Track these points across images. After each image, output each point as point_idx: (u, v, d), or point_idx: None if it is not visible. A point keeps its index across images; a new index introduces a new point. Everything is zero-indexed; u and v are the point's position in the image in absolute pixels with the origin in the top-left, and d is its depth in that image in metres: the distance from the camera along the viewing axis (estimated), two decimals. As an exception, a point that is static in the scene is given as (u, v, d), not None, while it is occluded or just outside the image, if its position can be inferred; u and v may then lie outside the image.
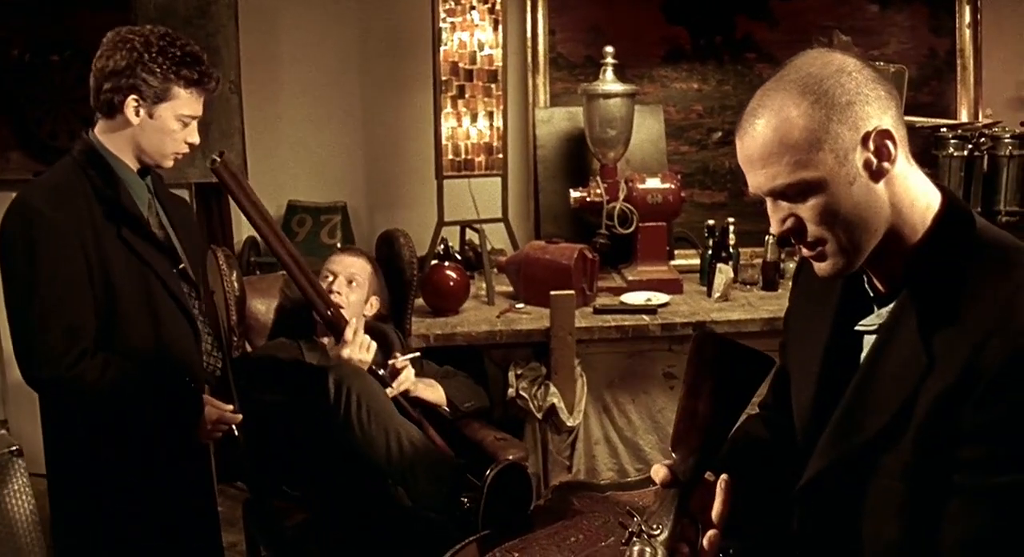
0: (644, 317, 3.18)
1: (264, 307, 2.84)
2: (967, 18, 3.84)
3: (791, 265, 3.62)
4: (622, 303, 3.31)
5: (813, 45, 3.81)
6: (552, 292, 3.06)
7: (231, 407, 2.19)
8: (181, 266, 2.18)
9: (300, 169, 3.82)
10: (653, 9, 3.79)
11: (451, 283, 3.22)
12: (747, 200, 3.85)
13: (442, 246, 3.31)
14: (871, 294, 1.32)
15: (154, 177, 2.21)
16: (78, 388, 1.99)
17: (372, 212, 3.88)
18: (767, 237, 3.46)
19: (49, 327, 1.97)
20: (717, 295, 3.35)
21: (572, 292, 3.09)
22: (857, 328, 1.32)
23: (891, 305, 1.27)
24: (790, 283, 3.43)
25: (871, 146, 1.21)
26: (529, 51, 3.72)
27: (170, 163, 2.14)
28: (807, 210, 1.23)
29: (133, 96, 2.01)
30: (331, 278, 2.68)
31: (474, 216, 3.57)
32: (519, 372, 3.14)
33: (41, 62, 3.62)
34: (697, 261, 3.70)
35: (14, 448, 2.73)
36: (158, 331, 2.09)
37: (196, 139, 2.13)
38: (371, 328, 2.69)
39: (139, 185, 2.12)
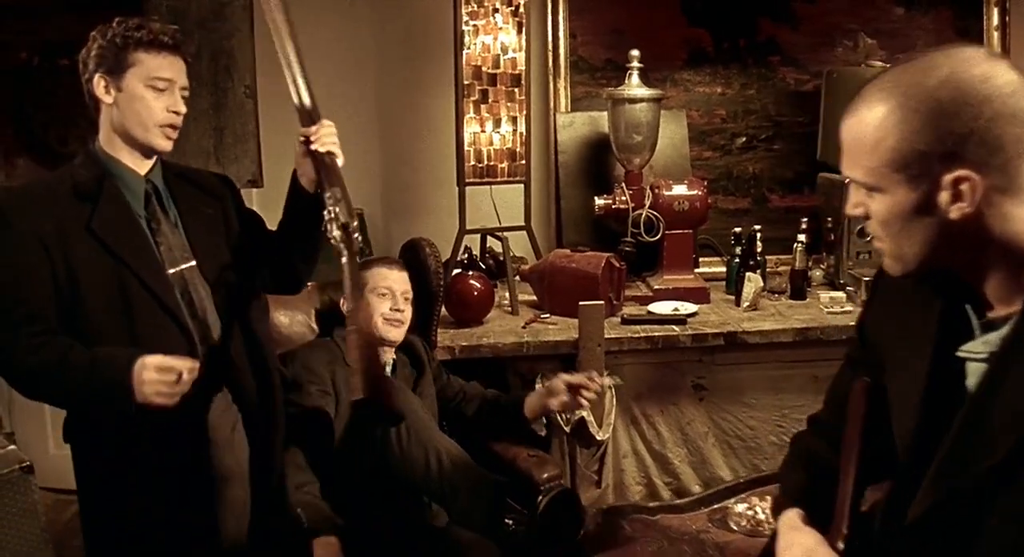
0: (674, 327, 3.10)
1: (287, 319, 2.74)
2: (995, 20, 3.78)
3: (817, 273, 3.55)
4: (649, 313, 3.23)
5: (837, 48, 3.80)
6: (581, 302, 2.98)
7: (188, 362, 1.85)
8: (187, 265, 2.04)
9: (315, 175, 3.72)
10: (674, 11, 3.72)
11: (475, 293, 3.13)
12: (771, 206, 3.80)
13: (466, 255, 3.22)
14: (975, 317, 1.24)
15: (172, 173, 2.11)
16: (10, 366, 1.89)
17: (389, 219, 3.79)
18: (796, 244, 3.39)
19: None
20: (746, 304, 3.28)
21: (602, 302, 3.01)
22: (960, 354, 1.24)
23: (1002, 331, 1.19)
24: (819, 292, 3.43)
25: (955, 188, 1.16)
26: (550, 54, 3.64)
27: (163, 141, 2.00)
28: (874, 205, 1.23)
29: (98, 74, 1.97)
30: (388, 295, 2.58)
31: (495, 223, 3.49)
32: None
33: (49, 65, 3.52)
34: (721, 269, 3.63)
35: (24, 464, 2.64)
36: (132, 333, 1.93)
37: (181, 107, 2.00)
38: (404, 342, 2.60)
39: (133, 180, 2.00)
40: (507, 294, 3.31)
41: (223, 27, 3.38)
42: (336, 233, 2.00)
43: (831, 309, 3.23)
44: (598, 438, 3.01)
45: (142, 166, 2.03)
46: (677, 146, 3.66)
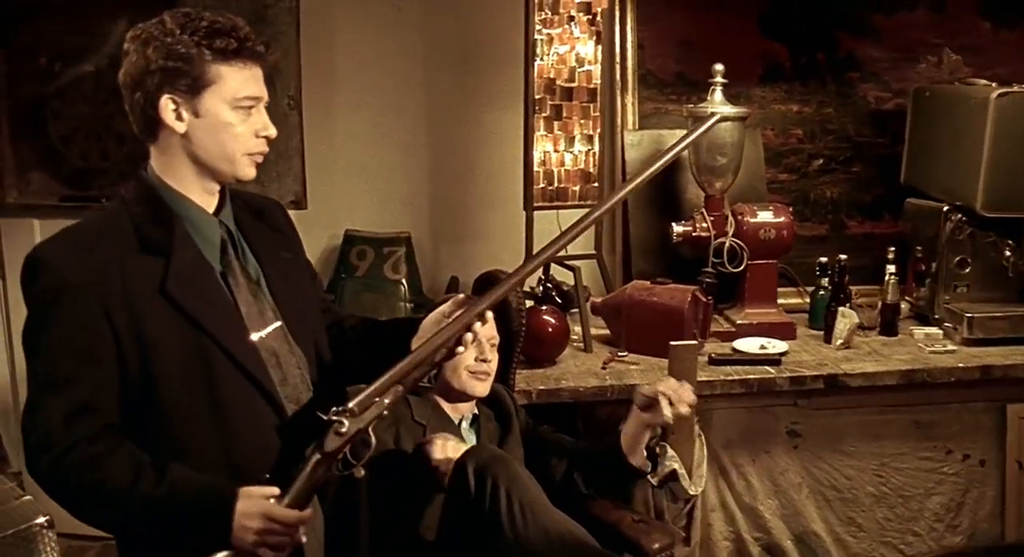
0: (769, 369, 2.82)
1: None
2: (1088, 38, 3.54)
3: (903, 305, 3.29)
4: (735, 351, 2.95)
5: (920, 65, 3.55)
6: (673, 343, 2.68)
7: (297, 513, 1.54)
8: (273, 327, 1.71)
9: (358, 194, 3.42)
10: (749, 22, 3.44)
11: (550, 329, 2.84)
12: (848, 233, 3.54)
13: (540, 286, 2.93)
14: None
15: (237, 207, 1.76)
16: (61, 482, 1.54)
17: (438, 244, 3.49)
18: (887, 276, 3.12)
19: (45, 407, 1.53)
20: (839, 342, 3.00)
21: (696, 343, 2.73)
22: None
23: None
24: (911, 328, 3.17)
25: None
26: (617, 67, 3.35)
27: (249, 170, 1.68)
28: None
29: (166, 95, 1.58)
30: (472, 340, 2.27)
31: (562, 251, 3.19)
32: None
33: (72, 72, 3.19)
34: (798, 300, 3.37)
35: (44, 519, 2.32)
36: (214, 413, 1.61)
37: (272, 130, 1.68)
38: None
39: (207, 223, 1.66)
40: (578, 329, 3.02)
41: (266, 31, 3.09)
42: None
43: (932, 348, 2.96)
44: (691, 492, 2.72)
45: (210, 202, 1.70)
46: (753, 168, 3.39)
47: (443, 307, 1.81)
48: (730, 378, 2.78)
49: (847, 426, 2.91)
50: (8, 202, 3.34)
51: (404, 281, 3.31)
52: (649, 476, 2.70)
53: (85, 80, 3.21)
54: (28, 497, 2.86)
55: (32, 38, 3.18)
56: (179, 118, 1.59)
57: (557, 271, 3.17)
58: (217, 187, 1.70)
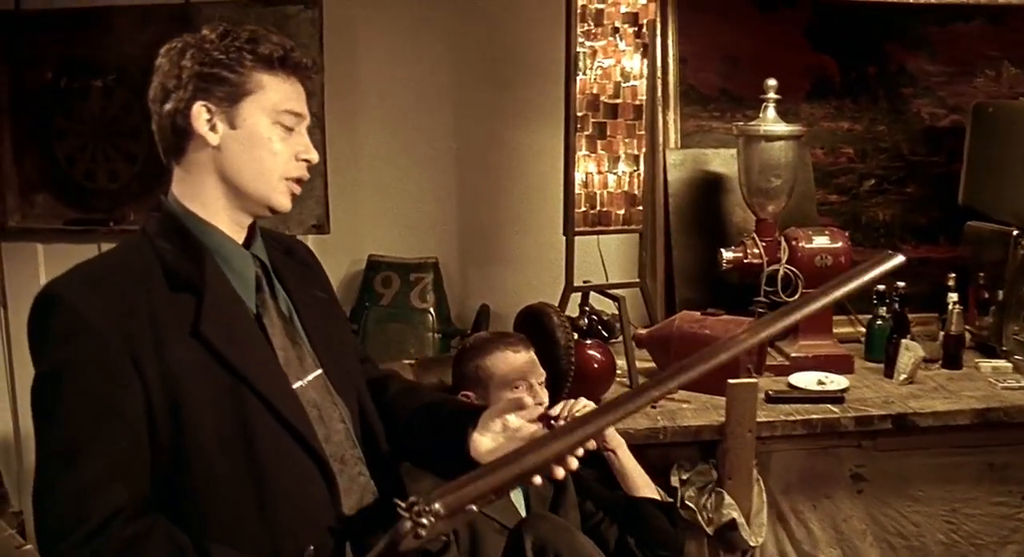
0: (832, 408, 2.61)
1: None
2: None
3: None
4: (792, 387, 2.75)
5: (977, 79, 3.35)
6: (731, 381, 2.49)
7: None
8: (313, 375, 1.50)
9: (382, 218, 3.22)
10: (796, 33, 3.25)
11: (595, 365, 2.63)
12: (906, 258, 3.32)
13: (585, 319, 2.72)
14: None
15: (267, 242, 1.55)
16: None
17: (467, 270, 3.28)
18: (951, 305, 2.92)
19: (62, 480, 1.29)
20: (903, 377, 2.79)
21: (755, 380, 2.53)
22: None
23: None
24: (976, 360, 2.97)
25: None
26: (659, 82, 3.16)
27: (284, 199, 1.46)
28: None
29: (200, 102, 1.40)
30: (523, 387, 2.06)
31: (598, 278, 2.99)
32: (684, 477, 2.55)
33: (79, 87, 2.99)
34: (848, 328, 3.16)
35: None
36: (253, 471, 1.38)
37: (313, 154, 1.48)
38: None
39: (239, 256, 1.46)
40: (621, 362, 2.81)
41: (287, 44, 2.87)
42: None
43: (1005, 384, 2.75)
44: (751, 542, 2.52)
45: (240, 235, 1.48)
46: (803, 189, 3.18)
47: (505, 405, 1.55)
48: (791, 418, 2.57)
49: (915, 469, 2.69)
50: (10, 225, 3.14)
51: (432, 310, 3.11)
52: (705, 526, 2.52)
53: (93, 96, 3.01)
54: (29, 546, 2.66)
55: (37, 51, 2.98)
56: (212, 128, 1.41)
57: (595, 298, 2.97)
58: (248, 219, 1.49)
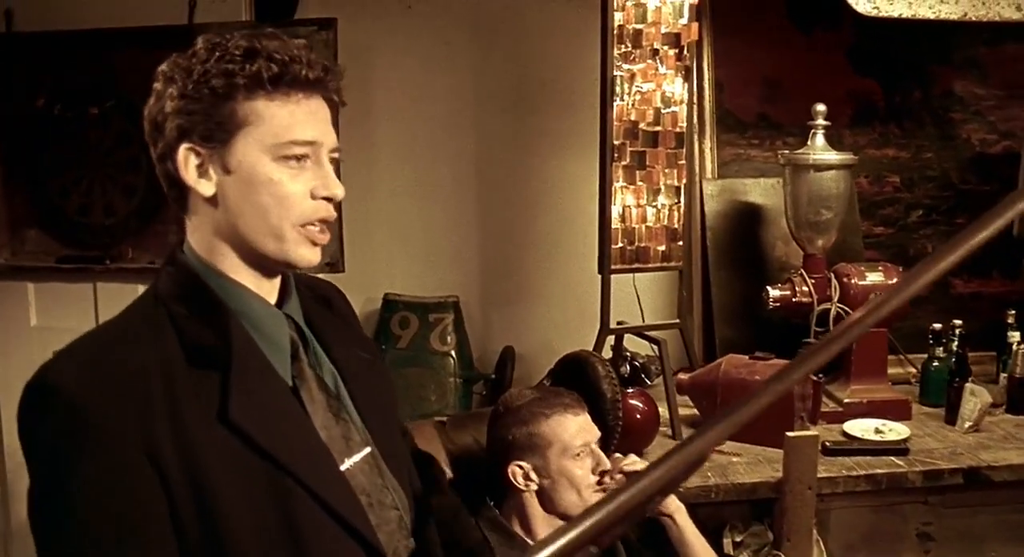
0: (896, 460, 2.39)
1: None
2: None
3: None
4: (848, 436, 2.53)
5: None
6: (789, 433, 2.27)
7: None
8: (362, 454, 1.25)
9: (399, 254, 3.01)
10: (838, 56, 3.06)
11: (638, 416, 2.41)
12: (954, 294, 3.12)
13: (626, 365, 2.50)
14: None
15: (302, 294, 1.31)
16: None
17: (488, 309, 3.07)
18: (1017, 346, 2.71)
19: None
20: (968, 425, 2.58)
21: (816, 433, 2.31)
22: None
23: None
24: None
25: None
26: (695, 109, 2.96)
27: (305, 251, 1.18)
28: None
29: (185, 144, 1.14)
30: (585, 453, 1.84)
31: (632, 318, 2.77)
32: (738, 539, 2.33)
33: (74, 115, 2.78)
34: (897, 369, 2.95)
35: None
36: None
37: (336, 187, 1.19)
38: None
39: (271, 319, 1.21)
40: (661, 410, 2.59)
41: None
42: None
43: (1081, 432, 2.54)
44: (814, 613, 2.29)
45: (270, 291, 1.24)
46: (848, 221, 2.97)
47: None
48: (853, 473, 2.35)
49: (987, 527, 2.46)
50: None
51: (453, 353, 2.89)
52: (762, 592, 2.30)
53: (89, 124, 2.80)
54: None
55: (29, 76, 2.77)
56: (204, 175, 1.16)
57: (629, 340, 2.75)
58: (276, 274, 1.25)
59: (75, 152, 2.81)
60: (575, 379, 2.18)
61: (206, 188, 1.16)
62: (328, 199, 1.18)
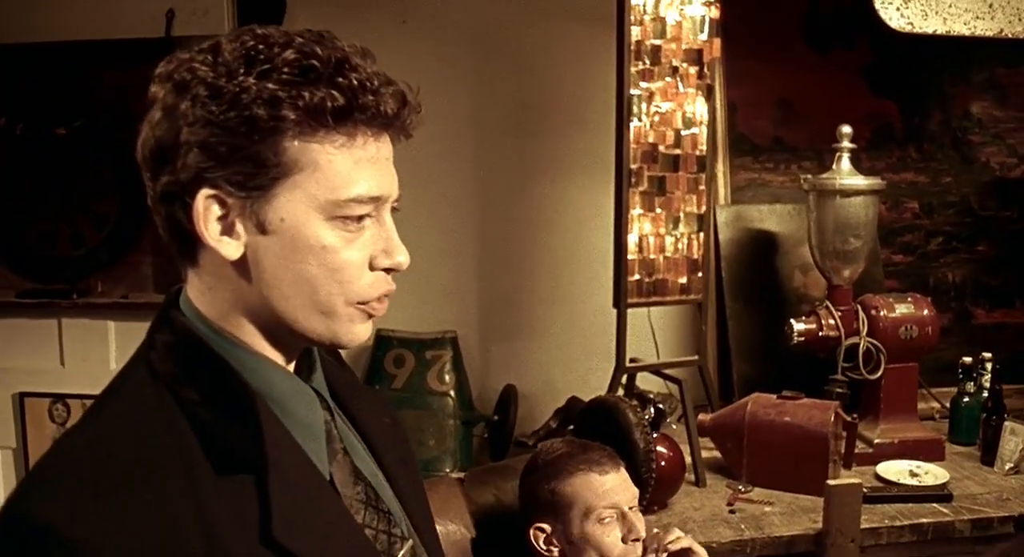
0: (940, 508, 2.22)
1: (439, 527, 1.78)
2: None
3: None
4: (882, 480, 2.36)
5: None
6: (831, 482, 2.10)
7: None
8: (404, 549, 1.02)
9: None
10: (854, 76, 2.91)
11: (663, 463, 2.20)
12: (975, 324, 2.97)
13: (651, 408, 2.30)
14: None
15: (329, 365, 1.07)
16: None
17: (488, 345, 2.86)
18: (1051, 381, 2.56)
19: None
20: (1009, 466, 2.42)
21: (859, 482, 2.13)
22: None
23: None
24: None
25: None
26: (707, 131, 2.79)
27: (359, 329, 0.94)
28: None
29: (207, 189, 0.87)
30: (614, 518, 1.63)
31: (643, 355, 2.59)
32: None
33: (39, 137, 2.54)
34: (920, 404, 2.77)
35: None
36: None
37: (399, 256, 0.94)
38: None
39: (301, 397, 0.96)
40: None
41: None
42: None
43: None
44: None
45: (291, 358, 0.98)
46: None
47: None
48: (896, 523, 2.17)
49: (1036, 578, 2.30)
50: (-48, 299, 2.66)
51: (452, 393, 2.68)
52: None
53: (56, 146, 2.56)
54: None
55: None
56: (229, 231, 0.88)
57: (643, 379, 2.57)
58: (297, 344, 0.99)
59: (39, 176, 2.57)
60: (600, 427, 1.98)
61: (231, 250, 0.88)
62: (390, 270, 0.94)
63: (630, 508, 1.66)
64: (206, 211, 0.87)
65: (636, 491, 1.68)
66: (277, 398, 0.92)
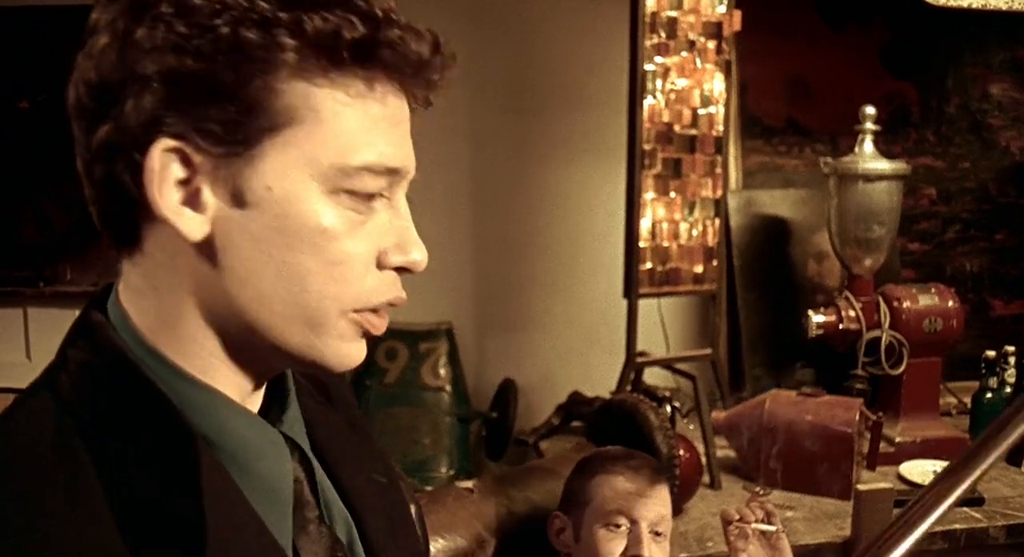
0: (973, 513, 2.09)
1: (449, 543, 1.62)
2: None
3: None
4: (907, 482, 2.24)
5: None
6: (860, 486, 1.96)
7: None
8: None
9: (383, 275, 2.62)
10: (870, 56, 2.77)
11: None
12: (993, 316, 2.85)
13: (668, 407, 2.15)
14: None
15: (300, 388, 0.82)
16: None
17: (484, 337, 2.69)
18: (1079, 376, 2.44)
19: None
20: (1039, 468, 2.30)
21: (890, 486, 1.99)
22: None
23: None
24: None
25: None
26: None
27: (353, 350, 0.72)
28: None
29: (167, 139, 0.64)
30: (623, 530, 1.47)
31: (651, 347, 2.44)
32: None
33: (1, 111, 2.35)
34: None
35: None
36: None
37: (414, 251, 0.74)
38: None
39: (264, 448, 0.72)
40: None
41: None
42: None
43: None
44: None
45: (256, 394, 0.76)
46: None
47: None
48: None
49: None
50: (-94, 287, 2.46)
51: (447, 388, 2.51)
52: None
53: (17, 121, 2.36)
54: None
55: (-57, 65, 2.33)
56: (193, 202, 0.66)
57: (650, 373, 2.43)
58: (272, 371, 0.77)
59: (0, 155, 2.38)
60: (617, 429, 1.83)
61: (193, 226, 0.65)
62: (403, 269, 0.74)
63: (652, 531, 1.49)
64: (163, 170, 0.64)
65: (665, 513, 1.51)
66: (231, 449, 0.69)
